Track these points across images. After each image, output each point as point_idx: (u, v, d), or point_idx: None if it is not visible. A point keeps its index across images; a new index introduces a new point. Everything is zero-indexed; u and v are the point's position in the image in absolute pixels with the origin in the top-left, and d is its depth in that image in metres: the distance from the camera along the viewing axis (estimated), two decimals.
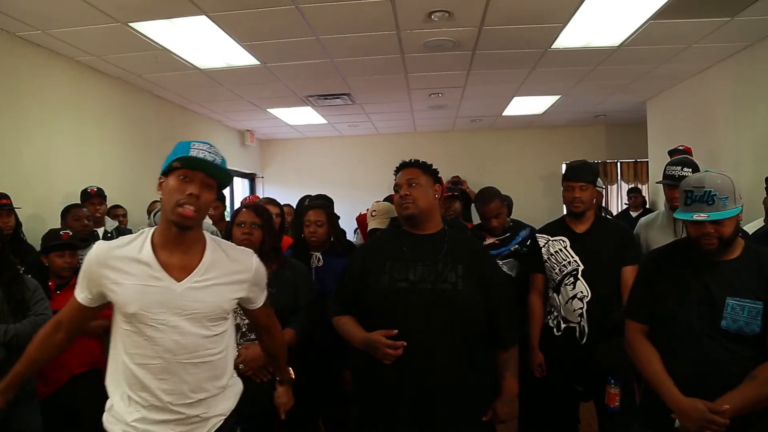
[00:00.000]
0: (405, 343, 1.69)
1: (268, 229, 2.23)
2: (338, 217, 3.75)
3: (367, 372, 1.81)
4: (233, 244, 1.62)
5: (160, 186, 1.38)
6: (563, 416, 2.56)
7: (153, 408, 1.37)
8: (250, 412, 2.02)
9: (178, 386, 1.37)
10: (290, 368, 1.84)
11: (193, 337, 1.38)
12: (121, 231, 4.05)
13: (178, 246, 1.38)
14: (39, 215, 3.64)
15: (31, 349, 1.47)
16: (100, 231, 3.61)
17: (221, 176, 1.38)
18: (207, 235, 1.47)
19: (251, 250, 1.58)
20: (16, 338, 2.08)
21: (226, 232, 2.26)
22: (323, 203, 2.93)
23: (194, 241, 1.42)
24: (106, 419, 1.41)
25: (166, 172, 1.37)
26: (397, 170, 1.97)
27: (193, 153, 1.34)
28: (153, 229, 1.42)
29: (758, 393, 1.51)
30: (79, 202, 3.68)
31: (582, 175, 2.45)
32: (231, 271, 1.45)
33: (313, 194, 3.99)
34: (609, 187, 7.68)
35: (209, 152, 1.36)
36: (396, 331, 1.71)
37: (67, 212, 3.34)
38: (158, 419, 1.37)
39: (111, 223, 3.84)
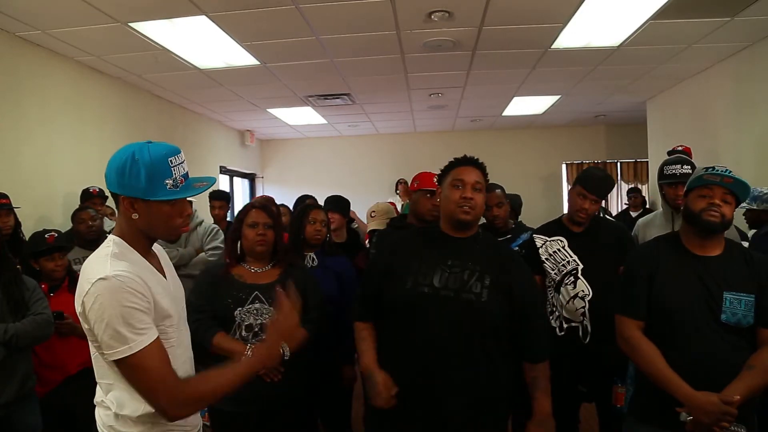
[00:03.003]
0: (397, 390, 1.65)
1: (279, 229, 2.21)
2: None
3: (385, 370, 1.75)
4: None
5: (131, 206, 1.25)
6: (564, 416, 2.56)
7: None
8: (247, 410, 2.02)
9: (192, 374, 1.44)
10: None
11: (187, 329, 1.46)
12: None
13: (149, 250, 1.36)
14: (39, 215, 3.64)
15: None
16: None
17: (202, 190, 1.36)
18: None
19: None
20: (16, 338, 2.08)
21: (234, 231, 2.21)
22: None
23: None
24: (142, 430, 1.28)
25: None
26: (458, 163, 1.82)
27: (181, 171, 1.27)
28: (115, 239, 1.29)
29: (759, 381, 1.58)
30: (79, 201, 3.68)
31: (599, 190, 2.43)
32: (171, 267, 1.50)
33: (312, 194, 3.97)
34: None
35: (184, 161, 1.30)
36: (396, 390, 1.66)
37: (74, 217, 3.35)
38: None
39: (109, 224, 3.84)
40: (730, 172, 1.68)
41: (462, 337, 1.68)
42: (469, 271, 1.72)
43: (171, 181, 1.24)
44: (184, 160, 1.29)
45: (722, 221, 1.67)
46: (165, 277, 1.39)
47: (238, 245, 2.19)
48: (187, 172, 1.30)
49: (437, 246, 1.79)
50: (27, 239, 3.12)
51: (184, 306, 1.47)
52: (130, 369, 1.17)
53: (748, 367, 1.59)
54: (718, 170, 1.70)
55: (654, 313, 1.73)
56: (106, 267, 1.19)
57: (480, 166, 1.82)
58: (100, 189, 3.75)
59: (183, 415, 1.22)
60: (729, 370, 1.60)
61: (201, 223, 3.71)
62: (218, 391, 1.24)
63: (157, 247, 1.44)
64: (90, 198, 3.69)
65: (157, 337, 1.21)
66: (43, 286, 2.53)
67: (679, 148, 4.17)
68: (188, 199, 1.33)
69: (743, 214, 3.37)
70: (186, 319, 1.47)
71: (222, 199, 4.38)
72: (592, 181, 2.45)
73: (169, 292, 1.36)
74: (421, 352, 1.68)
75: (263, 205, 2.24)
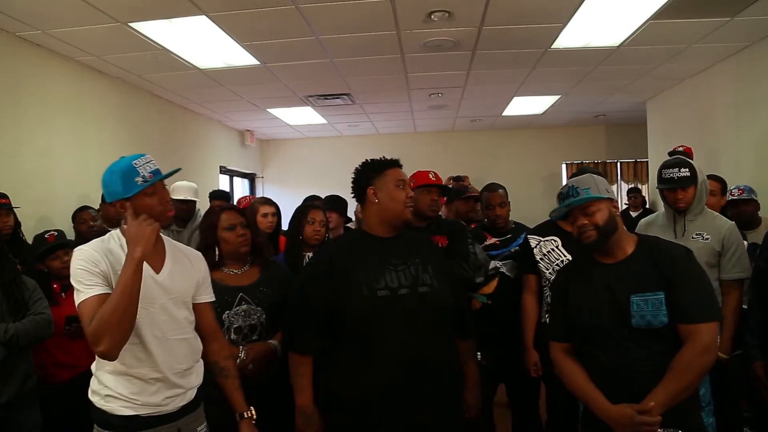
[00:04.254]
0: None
1: (254, 227, 2.23)
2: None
3: (354, 384, 1.72)
4: (180, 243, 1.81)
5: (121, 205, 1.54)
6: (564, 416, 2.56)
7: (151, 380, 1.55)
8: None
9: (170, 358, 1.58)
10: (252, 407, 1.75)
11: (177, 318, 1.63)
12: None
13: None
14: (39, 215, 3.64)
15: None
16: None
17: (169, 175, 1.62)
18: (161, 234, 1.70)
19: (198, 252, 1.83)
20: (16, 338, 2.08)
21: (206, 238, 2.14)
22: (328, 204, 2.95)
23: (158, 238, 1.63)
24: (98, 401, 1.55)
25: (127, 198, 1.53)
26: (391, 164, 1.86)
27: (148, 168, 1.55)
28: (115, 232, 1.61)
29: (679, 384, 1.52)
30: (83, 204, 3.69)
31: None
32: (188, 263, 1.72)
33: (313, 194, 3.97)
34: None
35: (151, 160, 1.58)
36: None
37: (74, 217, 3.39)
38: (153, 390, 1.55)
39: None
40: (574, 190, 1.69)
41: (427, 329, 1.72)
42: (413, 265, 1.78)
43: (140, 178, 1.53)
44: (151, 160, 1.58)
45: (598, 235, 1.66)
46: (157, 271, 1.60)
47: (216, 251, 2.12)
48: (156, 169, 1.57)
49: (375, 249, 1.80)
50: (27, 240, 3.13)
51: (179, 298, 1.64)
52: (79, 313, 1.45)
53: (669, 369, 1.53)
54: (563, 195, 1.73)
55: (576, 332, 1.72)
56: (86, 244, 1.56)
57: (400, 166, 1.91)
58: None
59: (104, 344, 1.38)
60: (649, 377, 1.54)
61: None
62: (116, 304, 1.40)
63: (173, 248, 1.70)
64: None
65: (97, 296, 1.44)
66: (55, 286, 2.54)
67: (680, 149, 4.16)
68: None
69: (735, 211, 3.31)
70: (175, 313, 1.63)
71: (222, 199, 4.38)
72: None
73: (158, 283, 1.58)
74: (393, 353, 1.68)
75: (231, 206, 2.25)
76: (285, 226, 3.03)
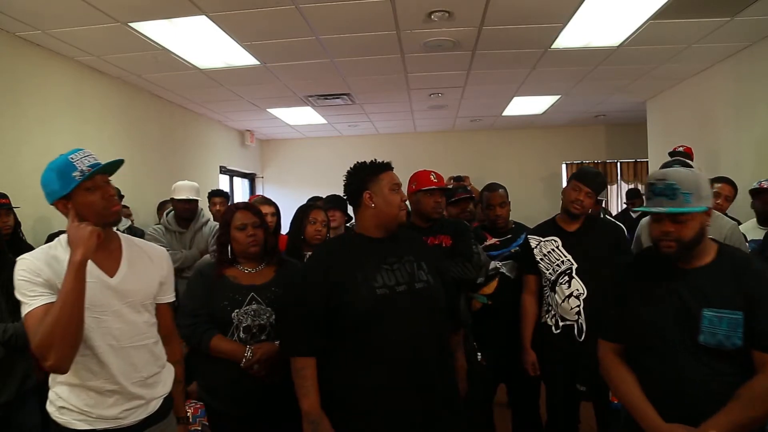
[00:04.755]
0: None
1: (266, 228, 2.22)
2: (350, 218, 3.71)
3: (356, 383, 1.70)
4: (144, 240, 1.77)
5: (63, 206, 1.48)
6: (564, 416, 2.57)
7: (107, 393, 1.48)
8: (244, 411, 2.01)
9: (127, 367, 1.51)
10: (186, 407, 1.78)
11: (135, 323, 1.55)
12: (133, 230, 4.05)
13: (101, 245, 1.47)
14: (38, 215, 3.64)
15: None
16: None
17: (111, 168, 1.52)
18: (119, 233, 1.65)
19: (163, 248, 1.78)
20: (15, 338, 2.08)
21: (222, 235, 2.16)
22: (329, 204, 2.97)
23: (112, 239, 1.58)
24: (53, 413, 1.49)
25: (67, 197, 1.46)
26: (385, 167, 1.87)
27: (86, 162, 1.46)
28: (61, 238, 1.51)
29: (745, 414, 1.36)
30: None
31: (593, 184, 2.50)
32: (149, 262, 1.65)
33: (314, 195, 3.97)
34: (609, 187, 7.69)
35: (90, 154, 1.49)
36: None
37: None
38: (110, 402, 1.48)
39: (124, 222, 3.84)
40: (671, 189, 1.44)
41: (427, 325, 1.74)
42: (408, 263, 1.80)
43: (78, 173, 1.45)
44: (90, 154, 1.50)
45: (678, 248, 1.46)
46: (111, 275, 1.52)
47: (229, 249, 2.13)
48: (95, 163, 1.48)
49: (370, 250, 1.80)
50: (27, 240, 3.13)
51: (137, 302, 1.57)
52: (25, 326, 1.37)
53: (735, 396, 1.37)
54: (656, 190, 1.48)
55: (630, 333, 1.58)
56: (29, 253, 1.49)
57: (392, 168, 1.92)
58: (116, 188, 3.74)
59: (51, 358, 1.31)
60: (710, 398, 1.39)
61: (207, 222, 3.68)
62: (59, 314, 1.31)
63: (132, 247, 1.63)
64: None
65: (43, 305, 1.36)
66: None
67: (680, 149, 4.16)
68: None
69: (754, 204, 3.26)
70: (133, 318, 1.56)
71: (221, 196, 4.40)
72: (585, 175, 2.54)
73: (111, 288, 1.51)
74: (394, 350, 1.68)
75: (245, 204, 2.23)
76: (284, 226, 3.04)
